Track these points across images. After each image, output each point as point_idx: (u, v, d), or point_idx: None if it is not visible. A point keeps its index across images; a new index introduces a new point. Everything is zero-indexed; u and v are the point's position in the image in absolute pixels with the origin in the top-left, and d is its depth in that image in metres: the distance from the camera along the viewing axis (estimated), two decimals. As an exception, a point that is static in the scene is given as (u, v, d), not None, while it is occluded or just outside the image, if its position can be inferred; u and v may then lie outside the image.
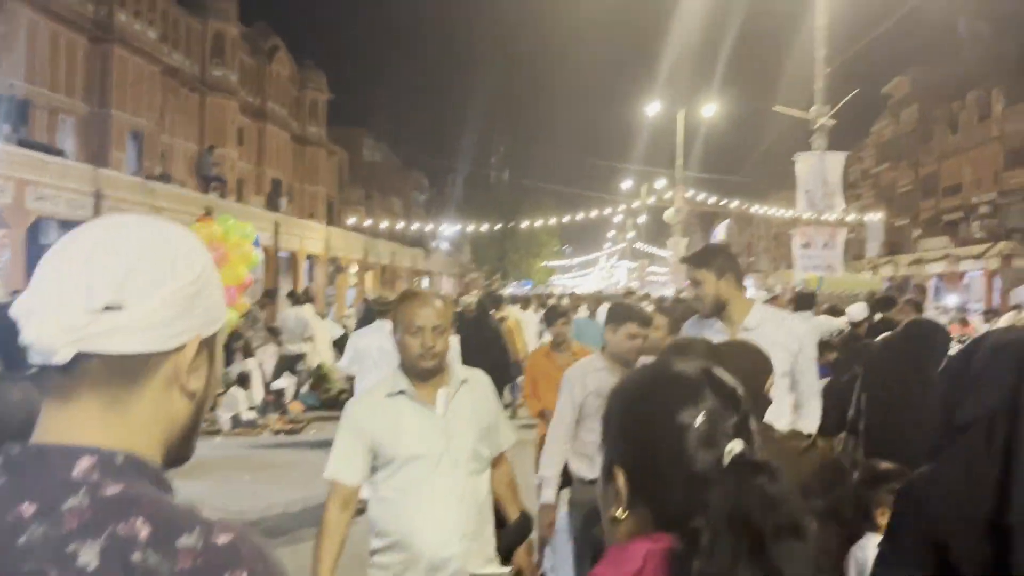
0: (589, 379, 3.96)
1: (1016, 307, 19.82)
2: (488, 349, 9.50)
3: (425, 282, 46.93)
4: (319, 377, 12.15)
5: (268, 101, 36.17)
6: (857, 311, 6.89)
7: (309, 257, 28.72)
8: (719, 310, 3.44)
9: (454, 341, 7.90)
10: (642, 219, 58.46)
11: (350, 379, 11.81)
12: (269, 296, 15.80)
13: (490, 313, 11.17)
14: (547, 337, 7.76)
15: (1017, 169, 40.20)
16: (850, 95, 12.71)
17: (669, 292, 48.67)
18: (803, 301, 7.27)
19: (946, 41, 55.81)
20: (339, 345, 16.98)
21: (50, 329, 0.82)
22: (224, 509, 6.43)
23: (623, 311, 4.14)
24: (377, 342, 7.22)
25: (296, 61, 39.71)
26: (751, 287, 71.04)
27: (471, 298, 13.04)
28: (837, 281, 10.50)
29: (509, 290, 49.84)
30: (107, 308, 0.83)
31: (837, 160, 12.40)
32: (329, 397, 12.06)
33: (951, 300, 34.23)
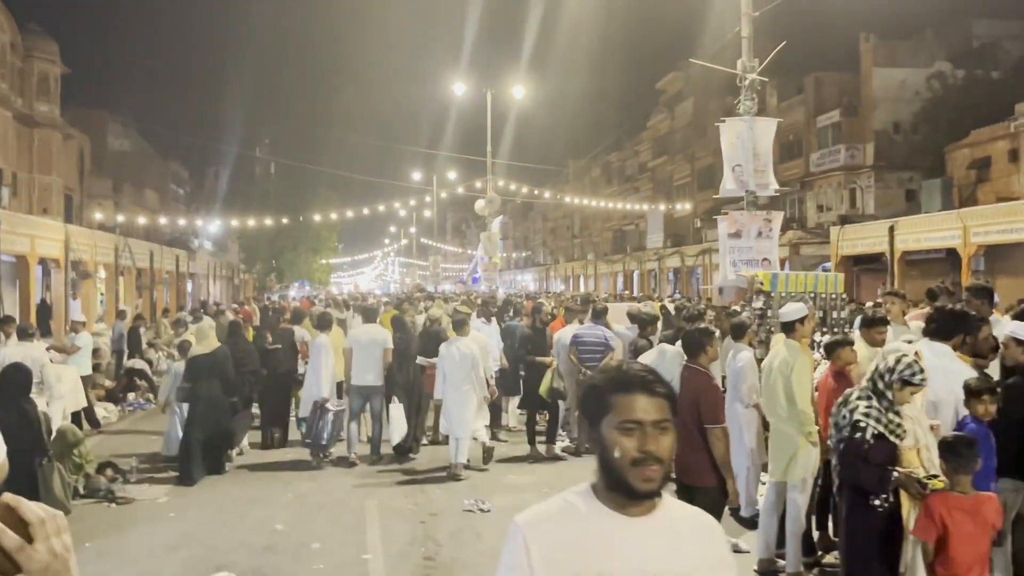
0: None
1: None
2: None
3: (189, 286, 41.12)
4: (65, 446, 8.00)
5: (-19, 70, 29.27)
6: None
7: (43, 261, 23.02)
8: None
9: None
10: (428, 213, 55.71)
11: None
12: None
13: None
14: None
15: (792, 161, 41.83)
16: (779, 46, 10.73)
17: (450, 287, 46.11)
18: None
19: (713, 39, 58.02)
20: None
21: None
22: None
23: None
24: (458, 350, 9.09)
25: (17, 24, 32.72)
26: (531, 281, 70.63)
27: (436, 311, 11.15)
28: (796, 279, 8.16)
29: (292, 292, 45.18)
30: None
31: (768, 128, 10.30)
32: (90, 483, 8.00)
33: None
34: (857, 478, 3.73)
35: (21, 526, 1.07)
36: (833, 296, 8.20)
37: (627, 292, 39.51)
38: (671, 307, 15.77)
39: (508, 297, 20.78)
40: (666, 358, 6.60)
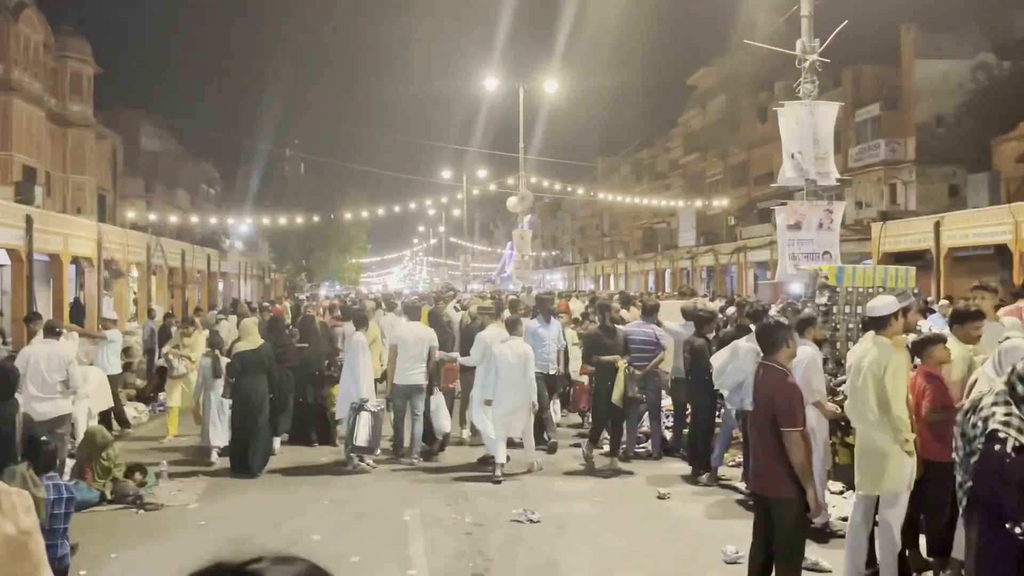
0: None
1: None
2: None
3: (220, 285, 41.12)
4: (93, 449, 7.64)
5: (14, 70, 29.31)
6: None
7: (76, 260, 22.97)
8: None
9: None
10: (457, 212, 55.33)
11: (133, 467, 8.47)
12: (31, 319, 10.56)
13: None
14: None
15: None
16: (841, 26, 10.13)
17: (478, 286, 45.53)
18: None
19: (746, 35, 57.01)
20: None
21: None
22: None
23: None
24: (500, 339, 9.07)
25: (52, 24, 32.83)
26: (560, 281, 70.17)
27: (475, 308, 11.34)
28: (864, 273, 7.58)
29: (323, 292, 45.03)
30: None
31: (830, 112, 9.69)
32: (118, 488, 7.61)
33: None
34: (996, 499, 3.16)
35: None
36: (903, 291, 7.61)
37: (660, 292, 38.88)
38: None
39: (541, 295, 20.18)
40: (739, 355, 5.98)
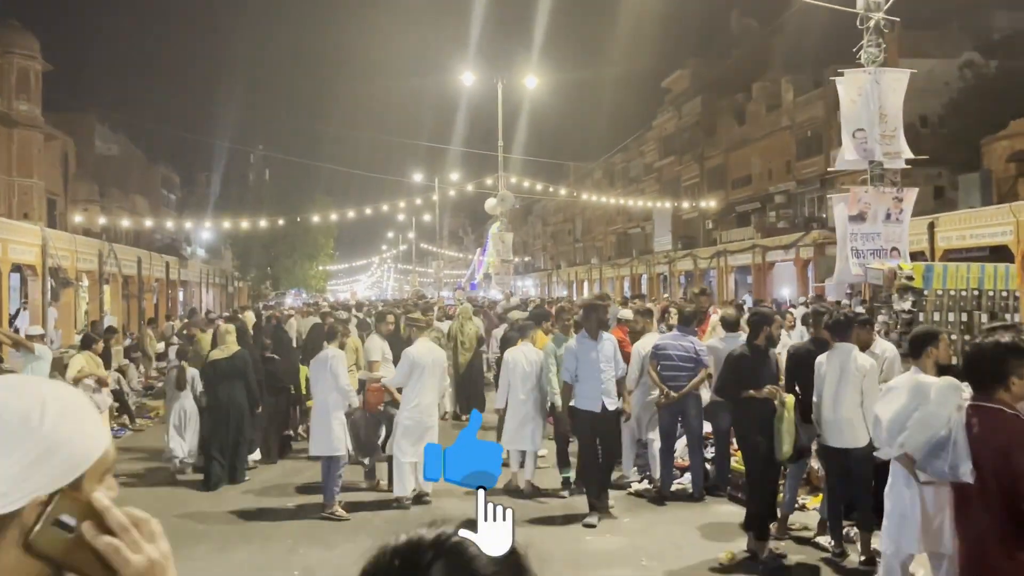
0: None
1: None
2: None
3: (180, 295, 39.14)
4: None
5: (-46, 65, 27.32)
6: None
7: (18, 268, 21.11)
8: None
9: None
10: (428, 217, 53.76)
11: None
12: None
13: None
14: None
15: (811, 158, 40.03)
16: None
17: (448, 294, 44.43)
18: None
19: (717, 37, 56.46)
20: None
21: None
22: None
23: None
24: (431, 357, 8.10)
25: (-5, 18, 30.90)
26: (532, 287, 68.78)
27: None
28: (957, 273, 6.21)
29: (288, 300, 43.20)
30: None
31: (898, 82, 8.35)
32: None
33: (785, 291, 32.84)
34: None
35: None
36: (1004, 294, 6.24)
37: (636, 297, 37.56)
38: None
39: (593, 301, 18.13)
40: (930, 398, 3.70)
